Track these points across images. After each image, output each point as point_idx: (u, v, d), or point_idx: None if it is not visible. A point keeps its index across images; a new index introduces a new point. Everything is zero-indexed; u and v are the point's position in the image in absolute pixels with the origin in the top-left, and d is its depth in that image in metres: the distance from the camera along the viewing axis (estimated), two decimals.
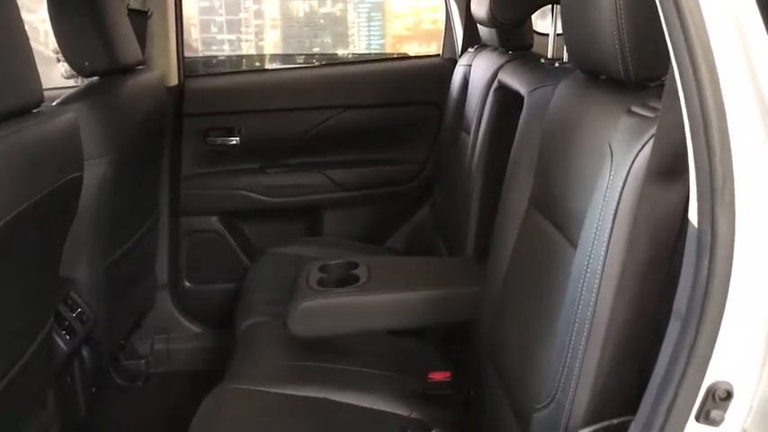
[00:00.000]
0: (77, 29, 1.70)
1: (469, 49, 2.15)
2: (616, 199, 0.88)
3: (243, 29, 4.34)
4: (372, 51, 4.35)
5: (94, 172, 1.65)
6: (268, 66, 3.78)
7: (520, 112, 1.44)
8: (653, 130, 0.86)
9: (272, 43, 4.34)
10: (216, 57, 3.90)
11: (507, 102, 1.56)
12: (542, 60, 1.57)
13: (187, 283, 2.39)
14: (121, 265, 1.85)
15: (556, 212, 1.17)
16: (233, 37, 4.33)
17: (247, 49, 4.42)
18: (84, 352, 1.74)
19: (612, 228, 0.89)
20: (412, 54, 3.56)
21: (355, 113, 2.35)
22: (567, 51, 1.23)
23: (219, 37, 4.25)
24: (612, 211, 0.88)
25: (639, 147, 0.86)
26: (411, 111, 2.38)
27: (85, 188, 1.60)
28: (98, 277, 1.73)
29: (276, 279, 1.95)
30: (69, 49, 1.71)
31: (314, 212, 2.40)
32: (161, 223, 2.27)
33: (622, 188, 0.87)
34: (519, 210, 1.34)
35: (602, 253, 0.91)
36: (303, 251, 2.17)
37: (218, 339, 2.30)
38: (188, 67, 2.38)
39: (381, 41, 4.23)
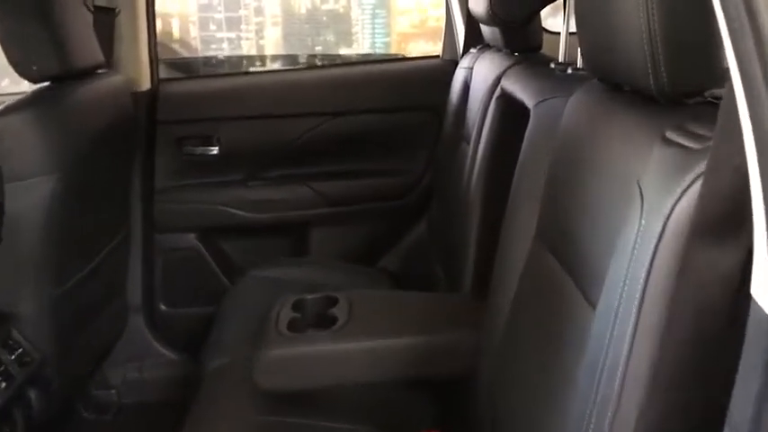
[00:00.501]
0: (23, 28, 1.50)
1: (471, 50, 1.92)
2: (648, 259, 0.66)
3: (243, 26, 4.17)
4: (377, 50, 4.15)
5: (40, 191, 1.45)
6: (267, 66, 3.57)
7: (525, 125, 1.22)
8: (700, 168, 0.64)
9: (272, 41, 4.16)
10: (213, 57, 3.68)
11: (511, 113, 1.34)
12: (552, 65, 1.34)
13: (162, 306, 2.18)
14: (79, 293, 1.65)
15: (567, 254, 0.95)
16: (233, 35, 4.15)
17: (248, 48, 4.25)
18: (32, 394, 1.54)
19: (643, 298, 0.67)
20: (417, 53, 3.35)
21: (346, 120, 2.13)
22: (582, 56, 1.01)
23: (219, 35, 4.08)
24: (643, 276, 0.66)
25: (680, 191, 0.63)
26: (407, 117, 2.16)
27: (29, 210, 1.39)
28: (47, 310, 1.53)
29: (253, 309, 1.73)
30: (15, 51, 1.51)
31: (300, 229, 2.18)
32: (133, 241, 2.06)
33: (656, 246, 0.65)
34: (523, 243, 1.13)
35: (630, 329, 0.69)
36: (287, 273, 1.96)
37: (197, 367, 2.09)
38: (175, 68, 2.17)
39: (386, 39, 4.04)
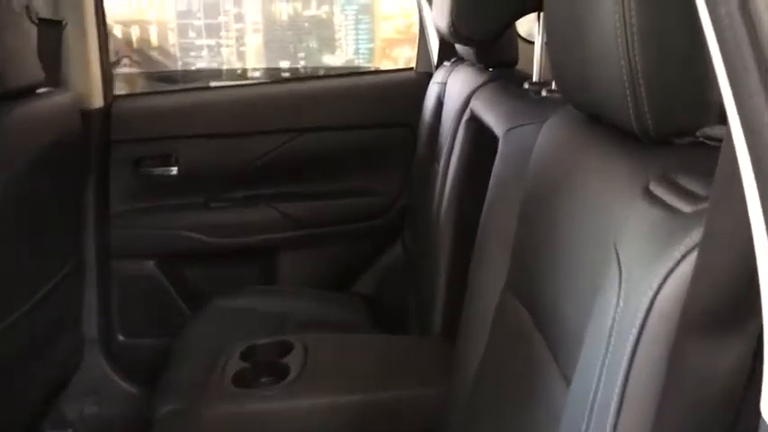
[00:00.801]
0: None
1: (445, 63, 1.80)
2: (629, 349, 0.53)
3: (223, 33, 4.04)
4: (360, 56, 4.04)
5: None
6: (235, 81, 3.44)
7: (495, 153, 1.09)
8: (692, 240, 0.51)
9: (254, 48, 4.04)
10: (167, 72, 3.54)
11: (480, 138, 1.21)
12: (526, 85, 1.21)
13: (121, 337, 2.04)
14: (25, 327, 1.51)
15: (538, 309, 0.82)
16: (212, 42, 4.03)
17: (228, 55, 4.13)
18: None
19: (625, 390, 0.54)
20: (402, 59, 3.25)
21: (315, 137, 2.00)
22: (555, 81, 0.88)
23: (198, 42, 3.96)
24: (624, 367, 0.53)
25: (667, 270, 0.51)
26: (381, 134, 2.02)
27: None
28: None
29: (214, 343, 1.60)
30: None
31: (268, 255, 2.04)
32: (87, 269, 1.92)
33: (638, 335, 0.52)
34: (493, 287, 1.00)
35: (611, 421, 0.56)
36: (253, 303, 1.82)
37: (149, 410, 1.95)
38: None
39: (370, 45, 3.93)
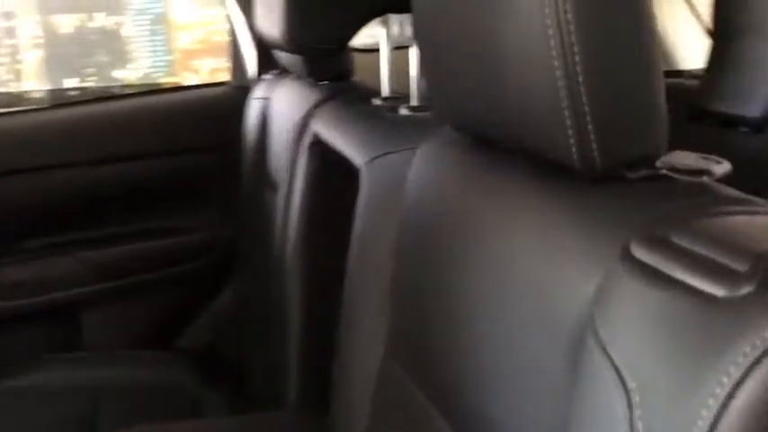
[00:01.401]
0: None
1: (266, 76, 1.57)
2: None
3: None
4: (158, 69, 3.67)
5: None
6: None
7: (353, 183, 0.89)
8: (749, 341, 0.33)
9: (32, 67, 3.55)
10: None
11: (332, 167, 1.01)
12: (377, 101, 1.01)
13: None
14: None
15: (439, 393, 0.64)
16: None
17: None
18: None
19: None
20: (206, 71, 2.99)
21: (116, 169, 1.68)
22: (432, 98, 0.70)
23: None
24: None
25: (721, 397, 0.33)
26: (195, 160, 1.74)
27: None
28: None
29: None
30: None
31: (68, 315, 1.68)
32: None
33: None
34: (371, 351, 0.80)
35: None
36: (51, 378, 1.49)
37: None
38: None
39: (168, 57, 3.60)
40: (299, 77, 1.35)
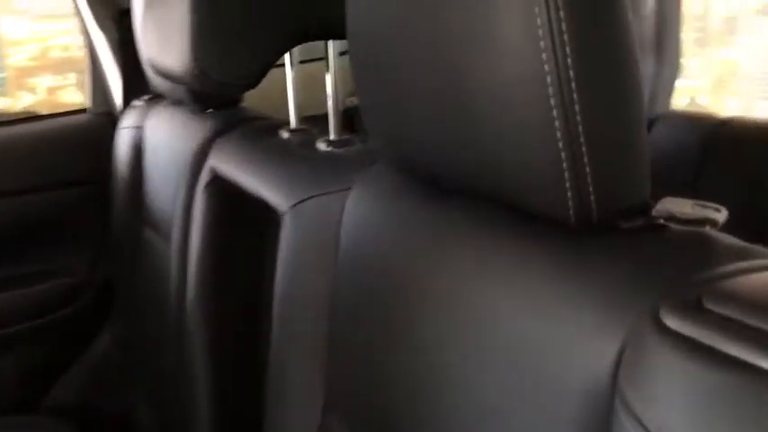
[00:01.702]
0: None
1: (137, 102, 1.43)
2: None
3: None
4: None
5: None
6: None
7: (270, 229, 0.82)
8: None
9: None
10: None
11: (238, 209, 0.91)
12: (284, 134, 0.92)
13: None
14: None
15: None
16: None
17: None
18: None
19: None
20: (45, 89, 2.76)
21: None
22: (370, 130, 0.64)
23: None
24: None
25: None
26: (56, 197, 1.57)
27: None
28: None
29: None
30: None
31: None
32: None
33: None
34: (309, 412, 0.73)
35: None
36: None
37: None
38: None
39: (1, 75, 3.28)
40: (177, 104, 1.24)
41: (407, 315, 0.59)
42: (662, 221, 0.46)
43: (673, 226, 0.46)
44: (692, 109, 1.92)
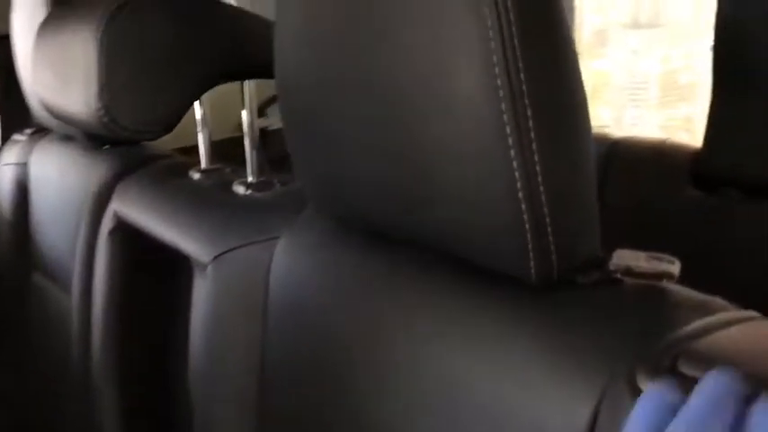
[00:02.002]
0: None
1: (19, 137, 1.33)
2: None
3: None
4: None
5: None
6: None
7: (184, 279, 0.77)
8: None
9: None
10: None
11: (148, 258, 0.85)
12: (196, 175, 0.87)
13: None
14: None
15: None
16: None
17: None
18: None
19: None
20: None
21: None
22: (298, 174, 0.61)
23: None
24: None
25: None
26: None
27: None
28: None
29: None
30: None
31: None
32: None
33: None
34: None
35: None
36: None
37: None
38: None
39: None
40: (66, 138, 1.16)
41: (350, 375, 0.56)
42: (618, 276, 0.46)
43: (629, 280, 0.46)
44: None
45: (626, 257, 0.46)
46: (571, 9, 1.47)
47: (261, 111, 1.44)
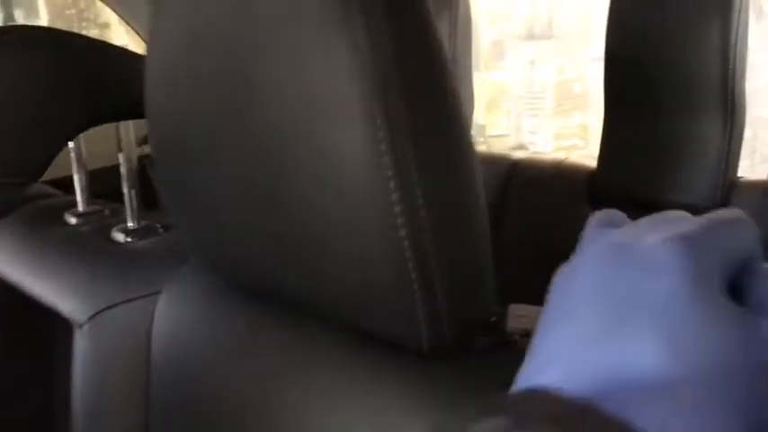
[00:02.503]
0: None
1: None
2: None
3: None
4: None
5: None
6: None
7: (60, 337, 0.70)
8: None
9: None
10: None
11: (16, 313, 0.78)
12: (72, 219, 0.79)
13: None
14: None
15: None
16: None
17: None
18: None
19: None
20: None
21: None
22: (176, 226, 0.57)
23: None
24: None
25: None
26: None
27: None
28: None
29: None
30: None
31: None
32: None
33: None
34: None
35: None
36: None
37: None
38: None
39: None
40: None
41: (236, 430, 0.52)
42: (516, 337, 0.44)
43: (527, 340, 0.44)
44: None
45: (521, 313, 0.44)
46: (468, 21, 1.47)
47: (146, 138, 1.37)
